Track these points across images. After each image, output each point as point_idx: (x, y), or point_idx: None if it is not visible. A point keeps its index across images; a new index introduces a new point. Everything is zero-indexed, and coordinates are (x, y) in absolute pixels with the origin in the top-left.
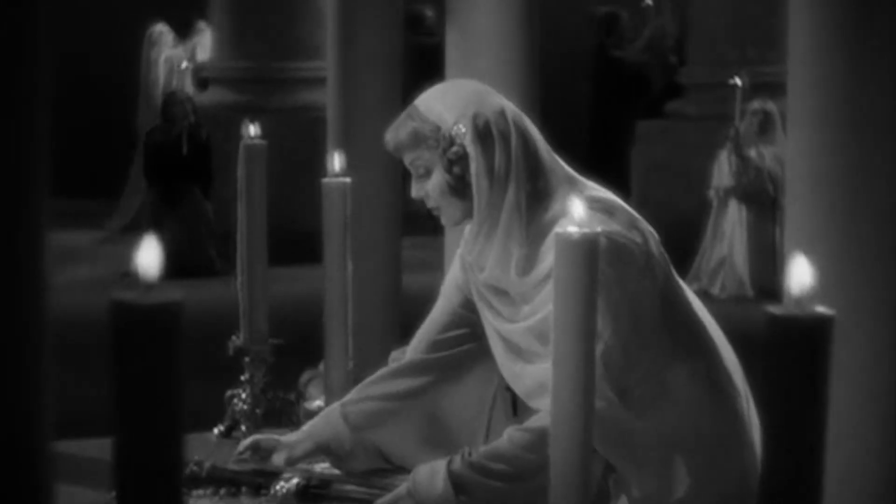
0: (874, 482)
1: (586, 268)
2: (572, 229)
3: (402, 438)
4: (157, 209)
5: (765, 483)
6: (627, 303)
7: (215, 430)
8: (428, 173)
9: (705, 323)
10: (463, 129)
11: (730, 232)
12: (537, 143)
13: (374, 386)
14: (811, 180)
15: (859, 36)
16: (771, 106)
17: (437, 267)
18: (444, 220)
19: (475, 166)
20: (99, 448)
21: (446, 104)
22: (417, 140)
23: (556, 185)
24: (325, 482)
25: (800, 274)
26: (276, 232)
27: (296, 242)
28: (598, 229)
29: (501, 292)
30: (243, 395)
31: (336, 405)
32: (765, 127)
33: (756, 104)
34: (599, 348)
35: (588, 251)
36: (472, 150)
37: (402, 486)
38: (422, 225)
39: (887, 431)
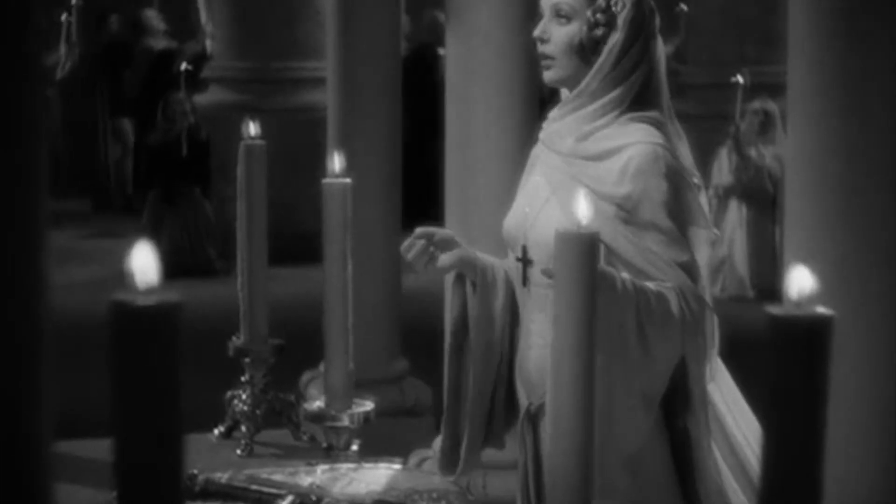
0: (875, 482)
1: (586, 266)
2: (572, 227)
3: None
4: (157, 209)
5: (765, 483)
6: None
7: (215, 431)
8: (567, 21)
9: None
10: (624, 5)
11: (730, 232)
12: (661, 58)
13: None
14: (811, 180)
15: (859, 35)
16: (771, 105)
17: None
18: (548, 74)
19: (612, 42)
20: (99, 448)
21: None
22: None
23: (657, 102)
24: (319, 500)
25: (799, 283)
26: (276, 232)
27: (296, 242)
28: (657, 141)
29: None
30: (243, 396)
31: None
32: (765, 126)
33: (757, 103)
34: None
35: (588, 251)
36: (621, 25)
37: None
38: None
39: (887, 431)
